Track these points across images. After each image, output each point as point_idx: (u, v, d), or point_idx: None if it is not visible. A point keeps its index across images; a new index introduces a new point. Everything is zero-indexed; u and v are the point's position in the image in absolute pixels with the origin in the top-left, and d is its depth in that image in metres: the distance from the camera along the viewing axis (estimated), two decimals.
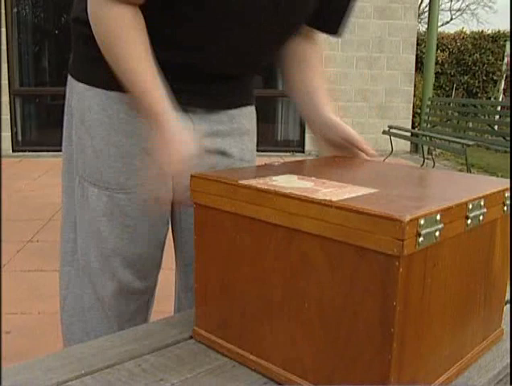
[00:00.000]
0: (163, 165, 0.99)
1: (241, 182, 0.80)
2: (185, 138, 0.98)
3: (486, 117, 7.84)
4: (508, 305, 1.03)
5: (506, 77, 11.37)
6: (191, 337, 0.93)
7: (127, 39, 0.98)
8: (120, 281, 1.17)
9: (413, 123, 8.95)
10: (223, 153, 1.21)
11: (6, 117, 7.48)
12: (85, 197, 1.15)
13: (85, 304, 1.21)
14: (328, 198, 0.70)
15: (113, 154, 1.10)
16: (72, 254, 1.22)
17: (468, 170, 6.05)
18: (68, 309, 1.24)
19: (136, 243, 1.16)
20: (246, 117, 1.27)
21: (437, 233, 0.68)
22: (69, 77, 1.16)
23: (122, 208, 1.13)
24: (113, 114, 1.10)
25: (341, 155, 1.14)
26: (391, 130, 7.24)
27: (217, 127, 1.20)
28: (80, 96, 1.13)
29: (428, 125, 7.69)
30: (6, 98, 7.38)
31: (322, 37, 1.27)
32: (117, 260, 1.16)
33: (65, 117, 1.20)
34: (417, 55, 8.75)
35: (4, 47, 7.31)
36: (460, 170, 6.97)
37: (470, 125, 8.18)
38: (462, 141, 6.10)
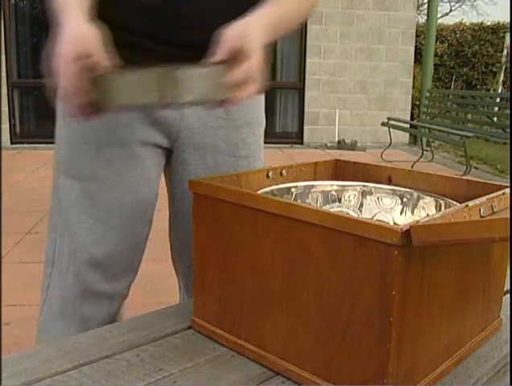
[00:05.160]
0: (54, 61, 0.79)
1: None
2: (77, 36, 0.79)
3: (485, 109, 7.83)
4: (507, 296, 1.03)
5: (506, 69, 11.35)
6: (189, 327, 0.93)
7: None
8: (84, 281, 1.09)
9: (412, 115, 8.94)
10: (213, 149, 1.13)
11: (5, 109, 7.46)
12: (59, 188, 1.10)
13: (55, 308, 1.13)
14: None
15: (88, 142, 1.05)
16: (53, 254, 1.15)
17: (468, 162, 6.05)
18: (44, 314, 1.16)
19: (106, 239, 1.08)
20: (245, 107, 1.15)
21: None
22: None
23: (94, 199, 1.06)
24: None
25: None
26: (390, 122, 7.24)
27: (208, 120, 1.11)
28: None
29: (427, 117, 7.68)
30: (4, 90, 7.36)
31: None
32: (82, 256, 1.08)
33: None
34: (416, 47, 8.72)
35: (2, 38, 7.28)
36: (459, 162, 6.97)
37: (469, 116, 8.16)
38: (461, 132, 6.09)
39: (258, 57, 0.82)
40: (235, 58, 0.80)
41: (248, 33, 0.83)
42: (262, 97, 1.20)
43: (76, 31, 0.80)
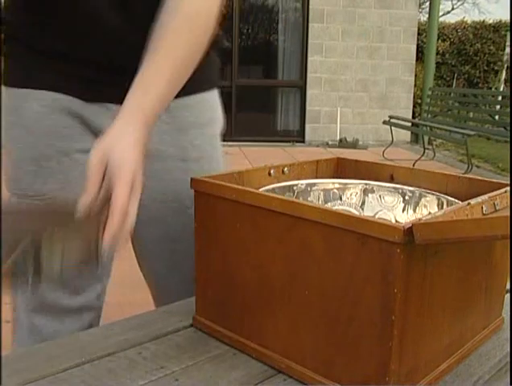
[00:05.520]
0: None
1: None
2: None
3: (487, 107, 7.83)
4: (508, 295, 1.03)
5: (507, 67, 11.33)
6: (191, 325, 0.93)
7: None
8: (45, 299, 1.05)
9: (413, 113, 8.93)
10: (160, 155, 1.06)
11: None
12: None
13: (25, 327, 1.08)
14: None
15: (28, 157, 1.00)
16: None
17: (469, 161, 6.04)
18: (17, 334, 1.11)
19: None
20: (191, 107, 1.08)
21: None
22: None
23: None
24: (24, 113, 1.00)
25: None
26: (392, 120, 7.23)
27: None
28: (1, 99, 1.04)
29: (429, 115, 7.67)
30: None
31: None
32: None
33: None
34: (418, 45, 8.72)
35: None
36: (461, 161, 6.96)
37: (471, 115, 8.16)
38: (463, 131, 6.08)
39: (131, 179, 0.73)
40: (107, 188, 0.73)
41: (114, 158, 0.73)
42: (211, 95, 1.14)
43: None
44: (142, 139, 0.79)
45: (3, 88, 1.02)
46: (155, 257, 1.17)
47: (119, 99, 0.85)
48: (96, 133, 1.01)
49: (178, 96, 0.95)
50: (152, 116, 0.82)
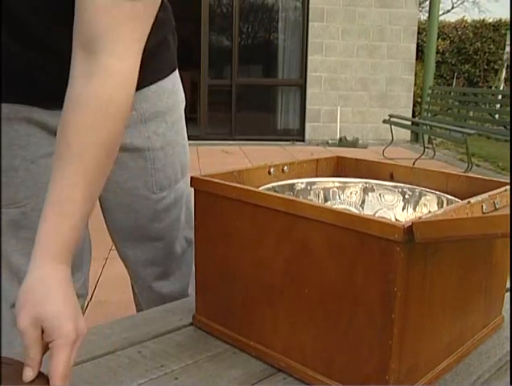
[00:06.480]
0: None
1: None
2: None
3: (487, 106, 7.82)
4: (508, 293, 1.03)
5: (507, 66, 11.33)
6: (191, 324, 0.93)
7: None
8: None
9: (413, 112, 8.93)
10: (126, 147, 1.07)
11: None
12: None
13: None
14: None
15: None
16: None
17: (469, 160, 6.04)
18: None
19: None
20: (149, 98, 1.09)
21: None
22: None
23: (18, 223, 1.04)
24: None
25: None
26: (392, 119, 7.23)
27: None
28: None
29: (429, 114, 7.67)
30: None
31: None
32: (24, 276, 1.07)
33: None
34: (418, 44, 8.71)
35: None
36: (461, 160, 6.96)
37: (471, 114, 8.15)
38: (463, 130, 6.08)
39: (71, 338, 0.69)
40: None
41: (49, 321, 0.68)
42: (170, 79, 1.14)
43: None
44: (66, 273, 0.74)
45: None
46: (129, 243, 1.21)
47: None
48: (54, 133, 1.01)
49: (136, 89, 0.88)
50: (73, 242, 0.76)
